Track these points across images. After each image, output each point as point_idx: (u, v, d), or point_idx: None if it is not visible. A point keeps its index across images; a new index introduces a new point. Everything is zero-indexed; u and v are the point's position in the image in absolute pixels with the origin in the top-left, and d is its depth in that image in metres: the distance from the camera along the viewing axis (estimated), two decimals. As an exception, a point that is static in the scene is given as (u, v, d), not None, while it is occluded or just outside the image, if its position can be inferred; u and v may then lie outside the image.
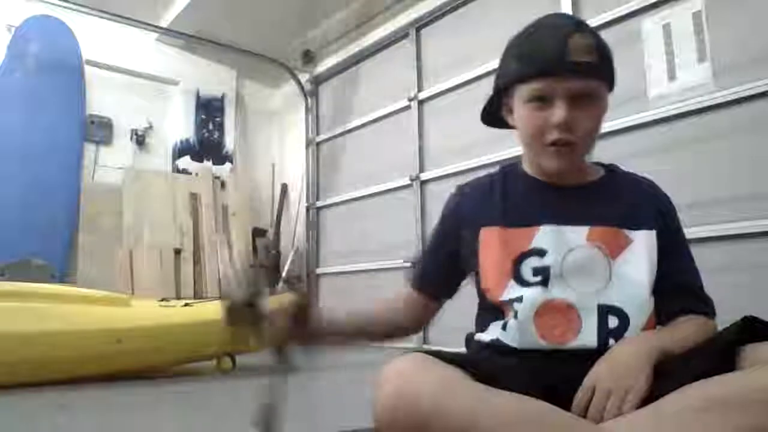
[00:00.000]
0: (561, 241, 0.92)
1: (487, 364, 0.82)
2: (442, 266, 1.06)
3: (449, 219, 1.07)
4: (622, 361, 0.80)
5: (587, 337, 0.86)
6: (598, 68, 0.90)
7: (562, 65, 0.87)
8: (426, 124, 3.72)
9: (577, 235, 0.92)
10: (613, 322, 0.87)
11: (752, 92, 2.22)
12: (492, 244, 0.96)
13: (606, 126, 2.80)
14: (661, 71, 2.53)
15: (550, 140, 0.90)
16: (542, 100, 0.90)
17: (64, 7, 3.89)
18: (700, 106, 2.38)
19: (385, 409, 0.73)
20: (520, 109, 0.94)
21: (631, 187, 1.00)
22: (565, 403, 0.75)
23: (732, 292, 2.19)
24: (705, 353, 0.78)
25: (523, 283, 0.91)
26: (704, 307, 0.94)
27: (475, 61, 3.31)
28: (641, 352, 0.80)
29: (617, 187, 0.99)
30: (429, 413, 0.70)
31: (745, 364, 0.73)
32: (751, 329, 0.76)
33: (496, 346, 0.92)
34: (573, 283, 0.90)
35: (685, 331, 0.88)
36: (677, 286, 0.94)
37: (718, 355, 0.75)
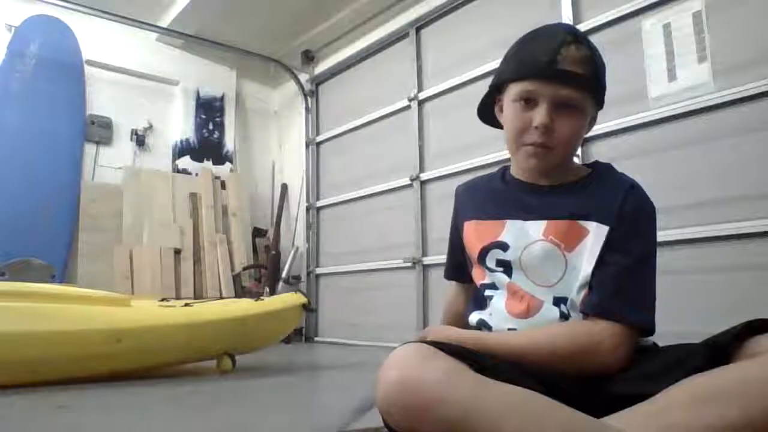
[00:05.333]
0: (522, 236, 0.98)
1: (487, 357, 0.84)
2: (460, 255, 1.13)
3: (454, 214, 1.17)
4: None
5: (549, 314, 0.93)
6: (586, 81, 0.94)
7: (552, 71, 0.92)
8: (426, 124, 3.72)
9: (536, 230, 0.97)
10: (564, 309, 0.94)
11: (752, 92, 2.22)
12: (470, 235, 1.06)
13: (606, 126, 2.83)
14: (661, 71, 2.53)
15: (529, 141, 0.96)
16: (528, 102, 0.95)
17: (64, 7, 3.89)
18: (700, 106, 2.37)
19: (388, 395, 0.76)
20: (507, 107, 1.00)
21: (605, 183, 0.98)
22: (566, 400, 0.76)
23: (732, 292, 2.20)
24: (705, 348, 0.80)
25: (491, 270, 1.01)
26: (603, 310, 0.89)
27: (475, 61, 3.31)
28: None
29: (592, 184, 0.99)
30: (430, 400, 0.73)
31: (747, 356, 0.74)
32: (760, 327, 0.77)
33: (480, 328, 1.01)
34: (531, 276, 0.97)
35: (534, 334, 0.91)
36: (596, 284, 0.92)
37: (717, 349, 0.78)
